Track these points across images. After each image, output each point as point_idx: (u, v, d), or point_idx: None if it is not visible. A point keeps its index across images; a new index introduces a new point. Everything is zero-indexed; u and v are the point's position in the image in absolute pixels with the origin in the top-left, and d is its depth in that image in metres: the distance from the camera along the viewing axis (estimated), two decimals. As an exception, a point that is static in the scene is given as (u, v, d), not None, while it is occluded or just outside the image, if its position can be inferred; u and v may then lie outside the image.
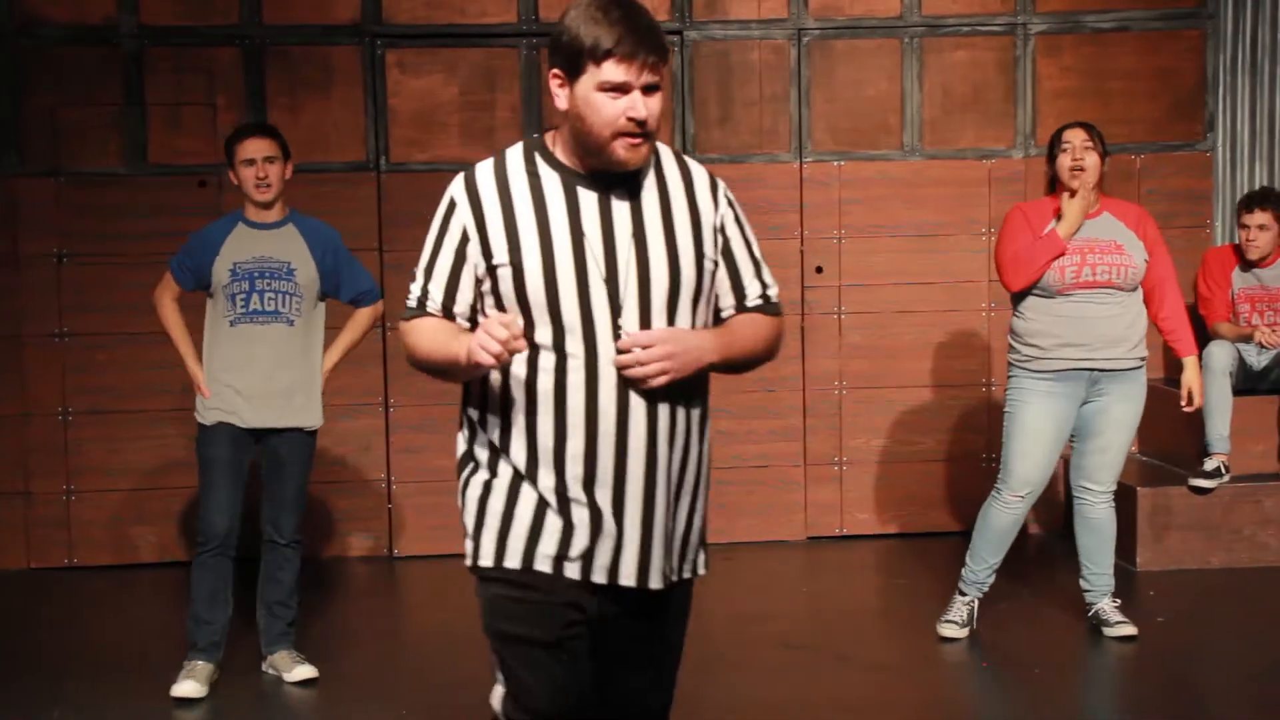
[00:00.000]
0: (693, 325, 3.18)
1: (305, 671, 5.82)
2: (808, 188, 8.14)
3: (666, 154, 3.23)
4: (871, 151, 8.21)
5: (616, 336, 3.07)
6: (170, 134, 7.86)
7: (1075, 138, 6.08)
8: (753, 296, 3.29)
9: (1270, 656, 6.05)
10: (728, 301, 3.27)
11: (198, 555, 5.73)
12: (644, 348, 3.05)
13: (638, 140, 3.05)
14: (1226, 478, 7.35)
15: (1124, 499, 7.35)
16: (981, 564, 6.24)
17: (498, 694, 3.34)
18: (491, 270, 3.12)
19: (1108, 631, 6.20)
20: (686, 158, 3.28)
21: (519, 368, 3.10)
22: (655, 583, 3.18)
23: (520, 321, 3.01)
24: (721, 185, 3.29)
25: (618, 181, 3.13)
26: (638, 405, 3.09)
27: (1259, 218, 7.60)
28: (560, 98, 3.10)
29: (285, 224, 5.82)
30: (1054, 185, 6.16)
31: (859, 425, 8.25)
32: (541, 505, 3.14)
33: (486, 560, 3.25)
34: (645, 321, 3.09)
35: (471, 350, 2.96)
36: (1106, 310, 6.01)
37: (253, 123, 6.12)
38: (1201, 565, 7.37)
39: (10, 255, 7.77)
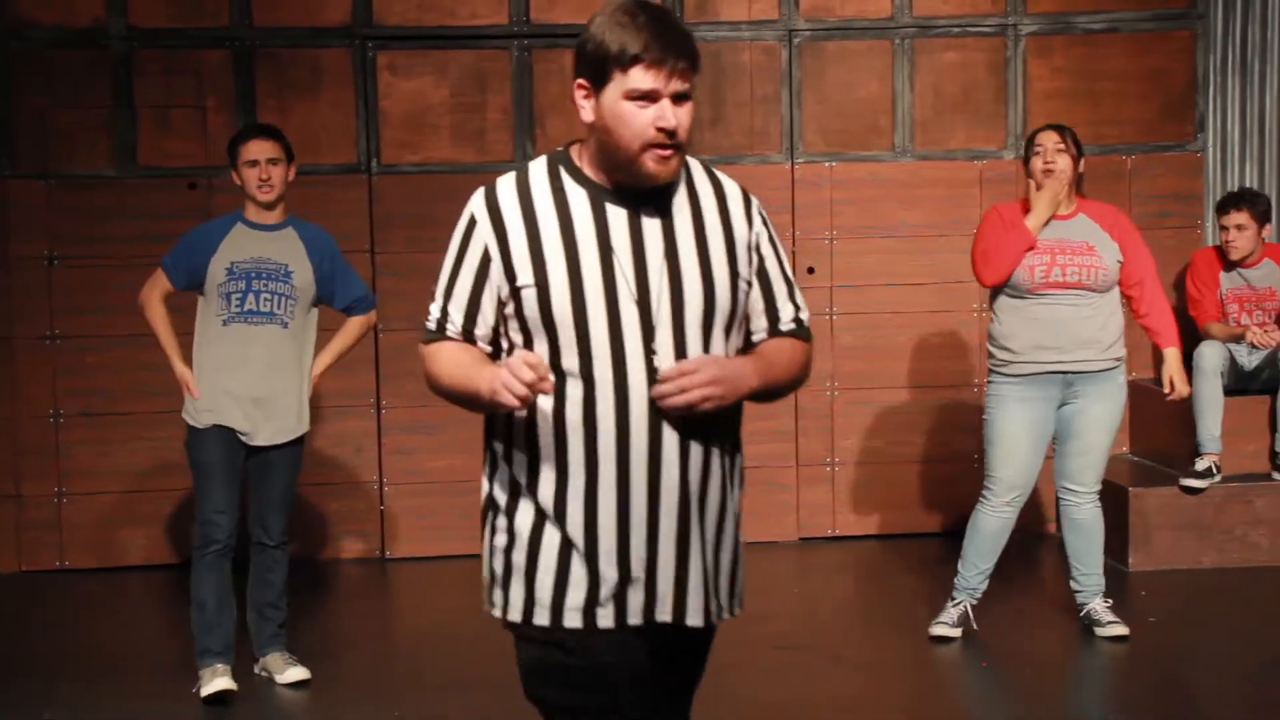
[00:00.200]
0: (726, 349, 3.01)
1: (298, 673, 5.81)
2: (799, 189, 8.15)
3: (697, 167, 3.08)
4: (863, 152, 8.22)
5: (650, 361, 2.89)
6: (160, 136, 7.85)
7: (1048, 140, 6.11)
8: (786, 320, 3.11)
9: (1262, 656, 6.06)
10: (760, 324, 3.09)
11: (201, 558, 5.67)
12: (686, 375, 2.85)
13: (668, 152, 2.88)
14: (1218, 478, 7.36)
15: (1116, 499, 7.36)
16: (973, 569, 6.25)
17: None
18: (515, 292, 2.93)
19: (1099, 632, 6.21)
20: (718, 171, 3.13)
21: (543, 397, 2.91)
22: (695, 619, 2.99)
23: (546, 359, 2.88)
24: (755, 201, 3.13)
25: (648, 197, 2.95)
26: (670, 435, 2.91)
27: (1236, 218, 7.62)
28: (585, 109, 2.94)
29: (285, 227, 5.81)
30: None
31: (851, 426, 8.26)
32: (566, 550, 2.94)
33: (515, 615, 3.03)
34: (680, 345, 2.91)
35: (495, 391, 2.81)
36: (1078, 312, 6.02)
37: (256, 124, 6.12)
38: (1193, 565, 7.38)
39: (0, 258, 7.75)
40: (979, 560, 6.23)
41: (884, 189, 8.19)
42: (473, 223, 3.01)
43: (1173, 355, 6.22)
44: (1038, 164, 6.10)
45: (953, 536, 6.37)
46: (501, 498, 3.02)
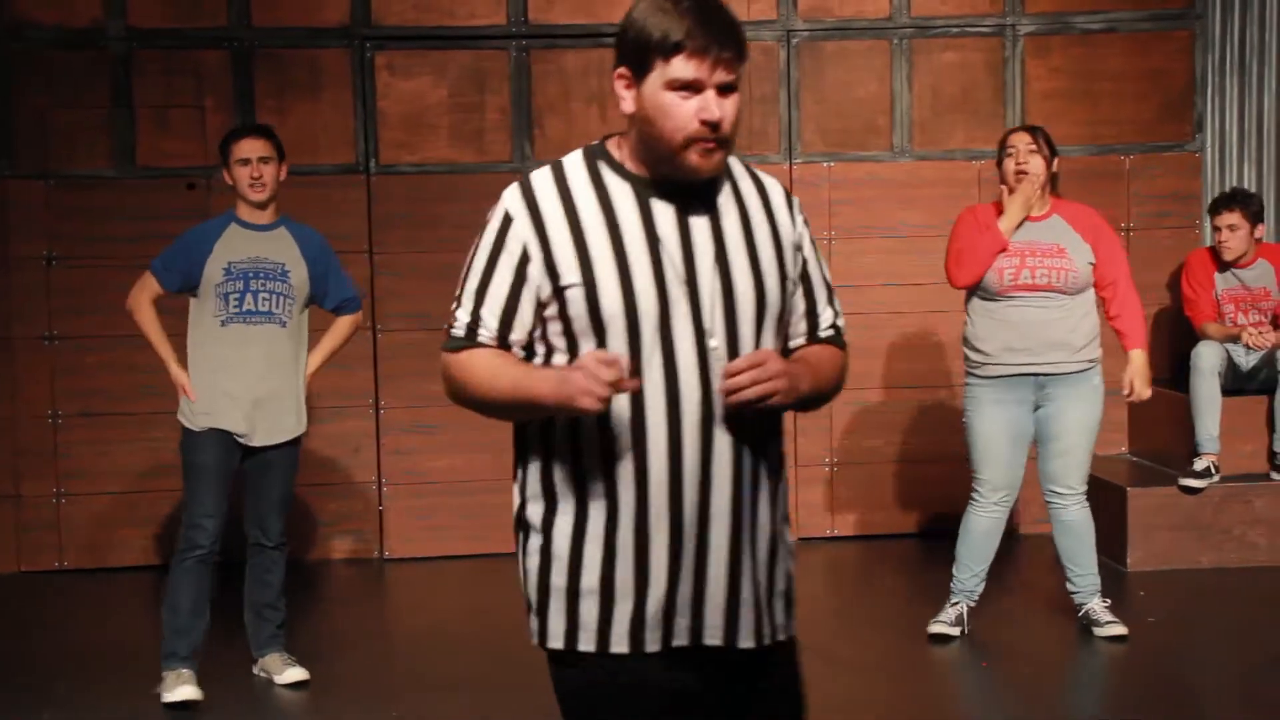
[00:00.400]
0: None
1: (296, 674, 5.81)
2: (797, 189, 8.15)
3: (737, 164, 2.90)
4: (861, 153, 8.22)
5: (704, 362, 2.72)
6: (159, 136, 7.85)
7: (1020, 141, 6.12)
8: (825, 325, 2.95)
9: (1261, 656, 6.07)
10: (799, 329, 2.92)
11: (181, 562, 5.65)
12: (757, 366, 2.67)
13: (712, 145, 2.71)
14: (1216, 478, 7.36)
15: (1114, 499, 7.37)
16: (967, 571, 6.26)
17: None
18: (559, 292, 2.73)
19: (1098, 631, 6.21)
20: (757, 169, 2.96)
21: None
22: (747, 641, 2.80)
23: (626, 358, 2.68)
24: (796, 200, 2.96)
25: (693, 193, 2.78)
26: (723, 443, 2.74)
27: (1228, 219, 7.62)
28: (626, 100, 2.76)
29: (278, 226, 5.81)
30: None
31: (849, 427, 8.26)
32: (610, 569, 2.76)
33: (556, 642, 2.86)
34: (733, 347, 2.74)
35: (569, 395, 2.60)
36: (1048, 314, 6.02)
37: (248, 123, 6.11)
38: (1192, 565, 7.38)
39: (-1, 258, 7.77)
40: (972, 562, 6.24)
41: (882, 189, 8.20)
42: (508, 220, 2.78)
43: (1137, 357, 6.17)
44: (1010, 166, 6.11)
45: (952, 536, 6.36)
46: (536, 515, 2.83)
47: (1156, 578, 7.23)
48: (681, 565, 2.74)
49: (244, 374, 5.65)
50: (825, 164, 8.17)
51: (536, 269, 2.74)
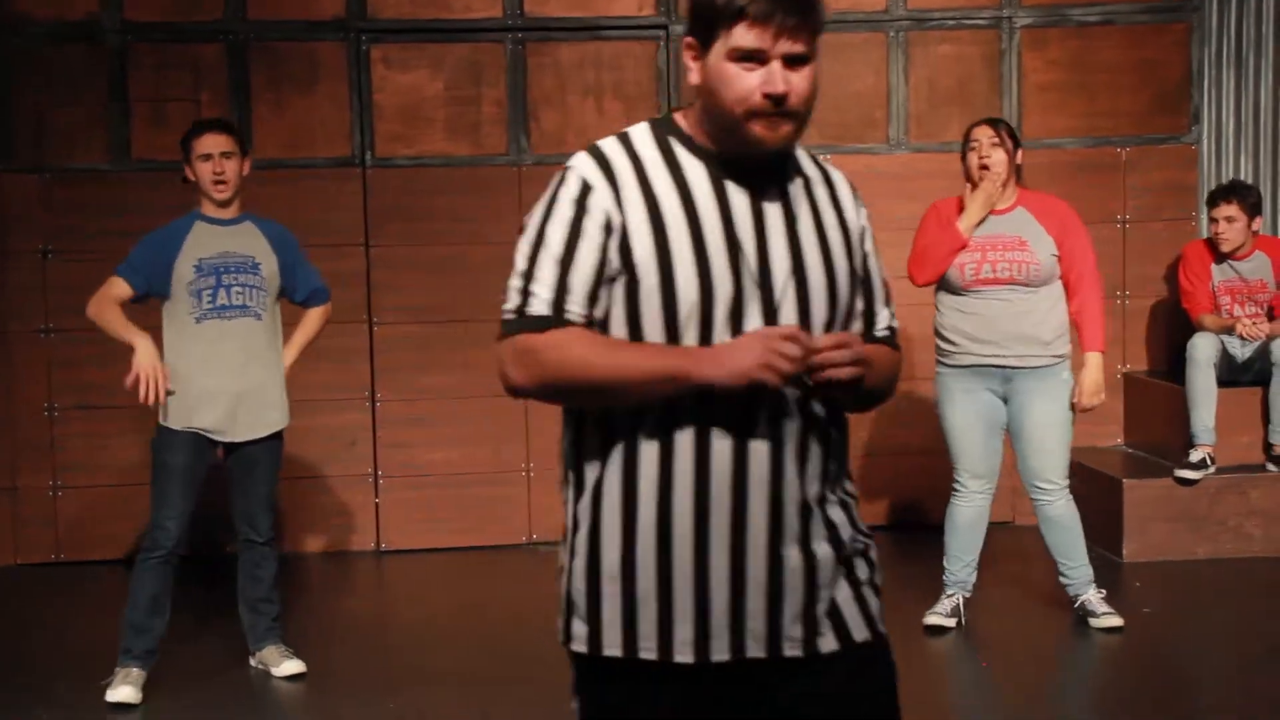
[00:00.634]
0: None
1: (294, 666, 5.82)
2: (793, 181, 8.14)
3: (803, 153, 2.73)
4: (858, 145, 8.22)
5: None
6: (154, 130, 7.85)
7: (983, 135, 6.11)
8: (881, 325, 2.79)
9: (1256, 647, 6.08)
10: (856, 328, 2.73)
11: (144, 561, 5.63)
12: (845, 346, 2.51)
13: (777, 117, 2.51)
14: (1212, 469, 7.37)
15: (1109, 490, 7.38)
16: (958, 562, 6.27)
17: None
18: (629, 270, 2.53)
19: (1093, 622, 6.22)
20: (822, 159, 2.80)
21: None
22: (828, 645, 2.61)
23: (804, 332, 2.49)
24: (859, 194, 2.81)
25: (767, 177, 2.61)
26: (792, 443, 2.56)
27: (1226, 210, 7.63)
28: (693, 71, 2.58)
29: (243, 221, 5.77)
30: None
31: (848, 418, 8.25)
32: (666, 574, 2.54)
33: (613, 649, 2.57)
34: None
35: (744, 369, 2.42)
36: (1012, 307, 6.02)
37: (210, 118, 6.04)
38: (1187, 556, 7.39)
39: (-5, 252, 7.77)
40: (962, 552, 6.25)
41: (879, 182, 8.18)
42: (587, 188, 2.55)
43: (1091, 360, 6.09)
44: (974, 160, 6.10)
45: (930, 529, 6.39)
46: (587, 514, 2.61)
47: (1152, 569, 7.24)
48: (748, 571, 2.54)
49: (223, 369, 5.61)
50: (822, 156, 8.15)
51: (614, 243, 2.54)
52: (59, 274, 7.77)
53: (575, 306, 2.53)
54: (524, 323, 2.55)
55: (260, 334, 5.71)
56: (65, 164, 7.81)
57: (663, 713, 2.58)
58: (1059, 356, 6.06)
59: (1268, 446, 7.55)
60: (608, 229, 2.53)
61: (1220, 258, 7.71)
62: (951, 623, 6.26)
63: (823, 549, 2.61)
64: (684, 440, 2.53)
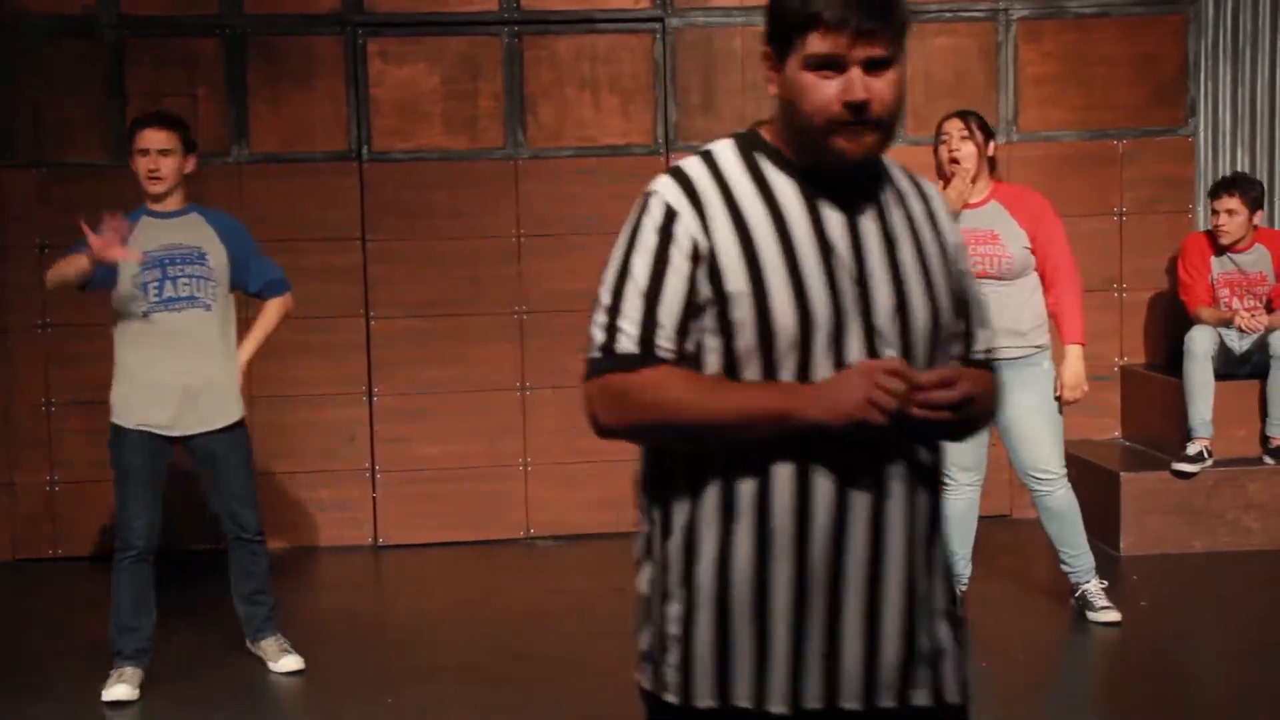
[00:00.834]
0: None
1: (292, 663, 5.82)
2: (791, 175, 8.14)
3: (894, 165, 2.56)
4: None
5: None
6: (152, 124, 7.84)
7: (953, 128, 6.08)
8: (979, 347, 2.60)
9: (1253, 640, 6.08)
10: (953, 351, 2.56)
11: (119, 563, 5.62)
12: (950, 383, 2.35)
13: (859, 127, 2.35)
14: (1209, 462, 7.38)
15: (1107, 484, 7.38)
16: (950, 555, 6.26)
17: None
18: (720, 299, 2.36)
19: (1091, 616, 6.22)
20: (911, 172, 2.63)
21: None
22: (922, 698, 2.47)
23: (908, 366, 2.34)
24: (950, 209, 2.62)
25: (861, 193, 2.44)
26: (898, 480, 2.40)
27: (1228, 203, 7.63)
28: (771, 82, 2.47)
29: (189, 212, 5.71)
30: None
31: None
32: (761, 619, 2.38)
33: (705, 699, 2.42)
34: None
35: (847, 408, 2.27)
36: (990, 301, 5.99)
37: (156, 112, 5.92)
38: (1184, 550, 7.39)
39: (-8, 247, 7.77)
40: (955, 546, 6.24)
41: (876, 175, 8.19)
42: (672, 213, 2.40)
43: (1072, 353, 6.10)
44: (944, 153, 6.07)
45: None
46: (679, 558, 2.44)
47: (1149, 562, 7.25)
48: (845, 617, 2.38)
49: (172, 362, 5.56)
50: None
51: (702, 271, 2.37)
52: (56, 269, 7.76)
53: (665, 342, 2.39)
54: (612, 362, 2.42)
55: (210, 325, 5.63)
56: (63, 159, 7.80)
57: None
58: (1037, 347, 6.04)
59: (1265, 439, 7.56)
60: (695, 257, 2.37)
61: (1220, 250, 7.71)
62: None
63: (924, 596, 2.46)
64: (782, 482, 2.36)
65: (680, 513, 2.45)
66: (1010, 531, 7.76)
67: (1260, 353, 7.52)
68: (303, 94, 7.93)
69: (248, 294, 5.91)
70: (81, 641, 6.33)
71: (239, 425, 5.76)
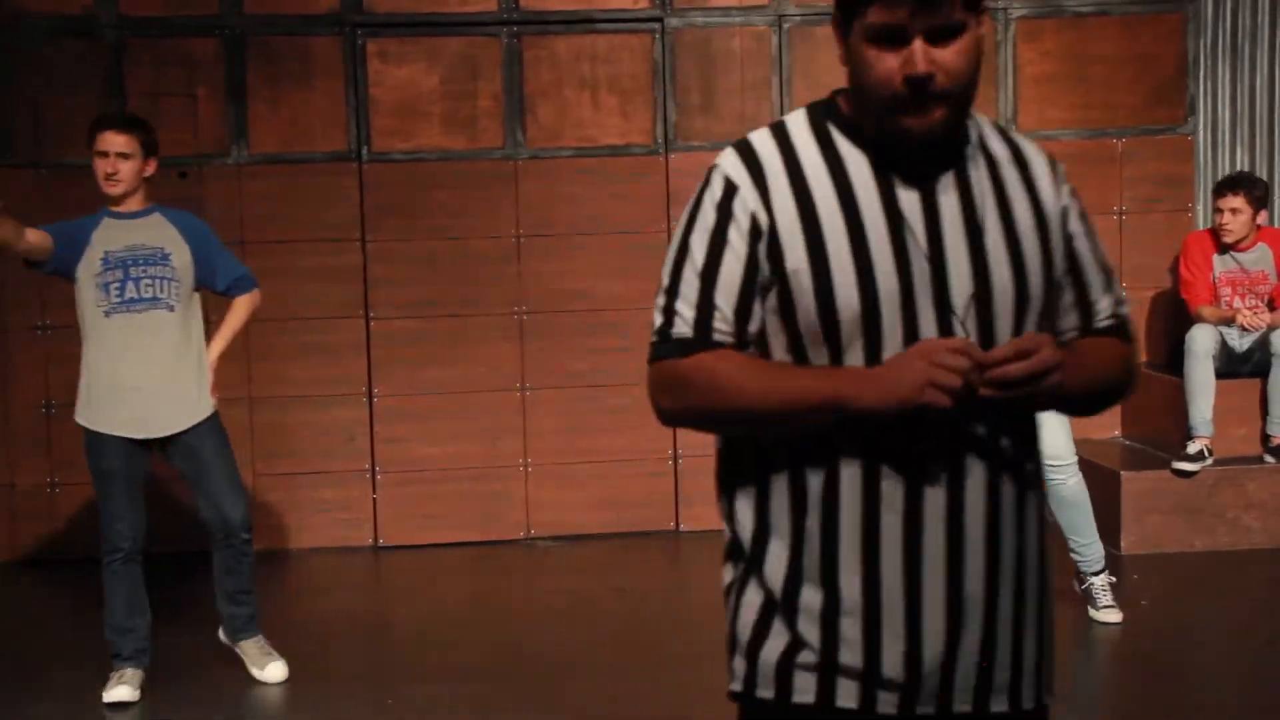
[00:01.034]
0: None
1: (278, 671, 5.73)
2: (790, 174, 8.14)
3: (989, 127, 2.40)
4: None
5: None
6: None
7: None
8: (1103, 315, 2.43)
9: (1254, 638, 6.08)
10: (1070, 322, 2.42)
11: (108, 565, 5.61)
12: (1029, 349, 2.18)
13: (925, 104, 2.19)
14: (1209, 461, 7.37)
15: (1108, 483, 7.38)
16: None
17: None
18: (781, 278, 2.25)
19: (1092, 613, 6.22)
20: (1013, 133, 2.45)
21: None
22: (999, 704, 2.36)
23: (972, 343, 2.20)
24: (1061, 167, 2.45)
25: (941, 162, 2.29)
26: (975, 465, 2.26)
27: (1232, 201, 7.63)
28: (840, 51, 2.29)
29: (151, 213, 5.66)
30: None
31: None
32: (832, 615, 2.28)
33: (767, 690, 2.35)
34: (987, 349, 2.22)
35: (907, 392, 2.14)
36: None
37: (117, 114, 5.83)
38: (1184, 548, 7.39)
39: (-9, 248, 7.75)
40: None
41: (875, 174, 8.19)
42: (731, 188, 2.29)
43: None
44: None
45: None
46: (749, 545, 2.37)
47: (1150, 561, 7.24)
48: (924, 615, 2.26)
49: (134, 364, 5.51)
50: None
51: (763, 248, 2.26)
52: (55, 270, 7.75)
53: (723, 325, 2.27)
54: (669, 346, 2.31)
55: (173, 326, 5.57)
56: (62, 159, 7.79)
57: None
58: None
59: (1265, 438, 7.56)
60: (755, 233, 2.25)
61: (1222, 248, 7.71)
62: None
63: (1006, 599, 2.32)
64: (850, 476, 2.25)
65: (746, 516, 2.37)
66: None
67: (1261, 351, 7.52)
68: (302, 94, 7.93)
69: (215, 292, 5.82)
70: (82, 643, 6.32)
71: (210, 419, 5.66)
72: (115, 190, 5.58)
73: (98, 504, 5.66)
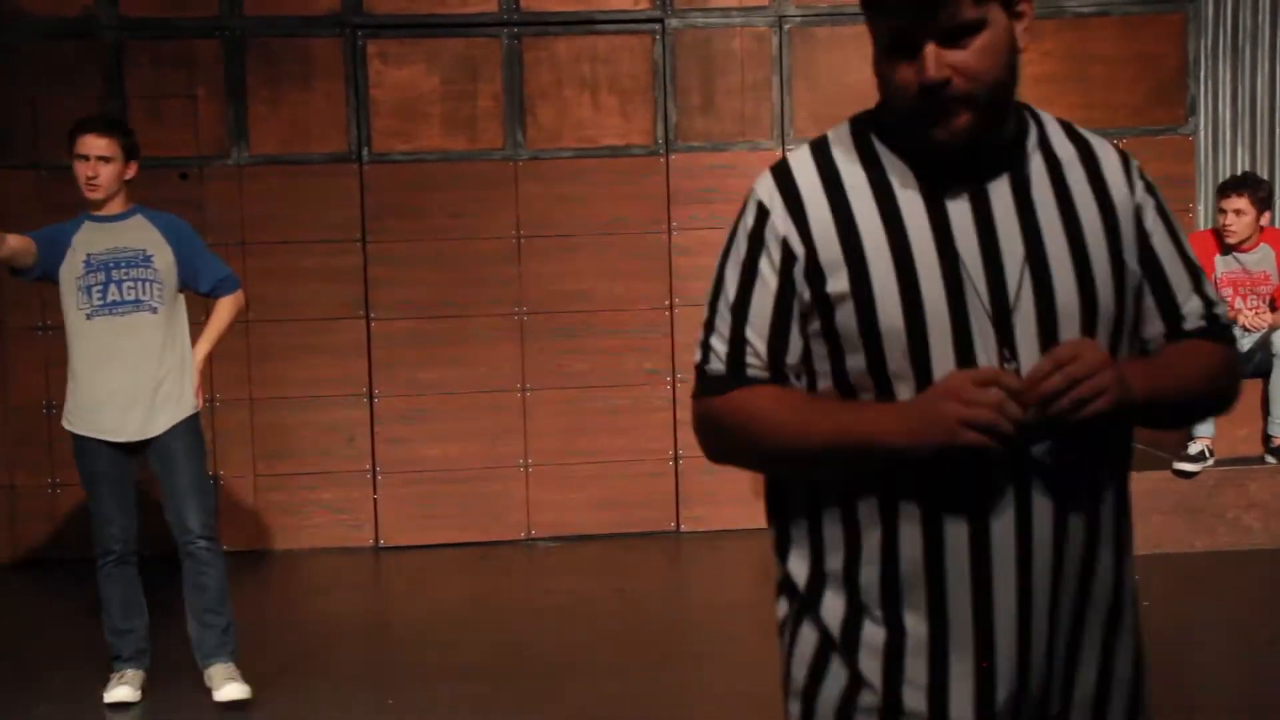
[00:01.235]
0: None
1: (236, 691, 5.50)
2: (790, 175, 8.13)
3: (1053, 125, 2.25)
4: (854, 138, 8.20)
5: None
6: (151, 126, 7.82)
7: None
8: (1192, 317, 2.23)
9: (1255, 638, 6.08)
10: (1154, 329, 2.22)
11: (101, 568, 5.60)
12: (1066, 363, 1.99)
13: (946, 111, 2.05)
14: (1210, 461, 7.37)
15: (1108, 483, 7.37)
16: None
17: None
18: (821, 302, 2.10)
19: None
20: (1082, 128, 2.30)
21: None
22: None
23: (1005, 372, 2.03)
24: (1136, 164, 2.28)
25: (993, 168, 2.14)
26: (1041, 496, 2.08)
27: (1236, 202, 7.63)
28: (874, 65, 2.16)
29: (133, 215, 5.62)
30: None
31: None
32: (897, 649, 2.11)
33: None
34: None
35: (939, 434, 1.98)
36: None
37: (98, 117, 5.81)
38: (1185, 549, 7.39)
39: (-8, 249, 7.75)
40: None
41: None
42: (763, 213, 2.16)
43: None
44: None
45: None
46: (801, 581, 2.21)
47: (1150, 561, 7.22)
48: (997, 647, 2.09)
49: (117, 367, 5.47)
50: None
51: (799, 271, 2.12)
52: (56, 271, 7.76)
53: (755, 360, 2.15)
54: (704, 383, 2.20)
55: (156, 329, 5.52)
56: (61, 161, 7.73)
57: None
58: None
59: (1267, 439, 7.55)
60: (788, 261, 2.12)
61: (1225, 249, 7.71)
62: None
63: (1089, 628, 2.16)
64: (910, 511, 2.10)
65: (803, 534, 2.22)
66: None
67: (1262, 351, 7.51)
68: (302, 95, 7.93)
69: (198, 294, 5.76)
70: (83, 643, 6.32)
71: (188, 420, 5.60)
72: (95, 195, 5.54)
73: (89, 508, 5.64)
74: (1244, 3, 8.38)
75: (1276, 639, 6.07)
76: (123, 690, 5.53)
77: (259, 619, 6.51)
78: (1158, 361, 2.19)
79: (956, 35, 2.03)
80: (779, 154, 8.12)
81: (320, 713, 5.51)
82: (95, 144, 5.52)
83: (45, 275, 5.55)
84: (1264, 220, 7.67)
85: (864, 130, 2.19)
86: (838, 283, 2.09)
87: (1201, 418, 2.33)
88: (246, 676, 5.70)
